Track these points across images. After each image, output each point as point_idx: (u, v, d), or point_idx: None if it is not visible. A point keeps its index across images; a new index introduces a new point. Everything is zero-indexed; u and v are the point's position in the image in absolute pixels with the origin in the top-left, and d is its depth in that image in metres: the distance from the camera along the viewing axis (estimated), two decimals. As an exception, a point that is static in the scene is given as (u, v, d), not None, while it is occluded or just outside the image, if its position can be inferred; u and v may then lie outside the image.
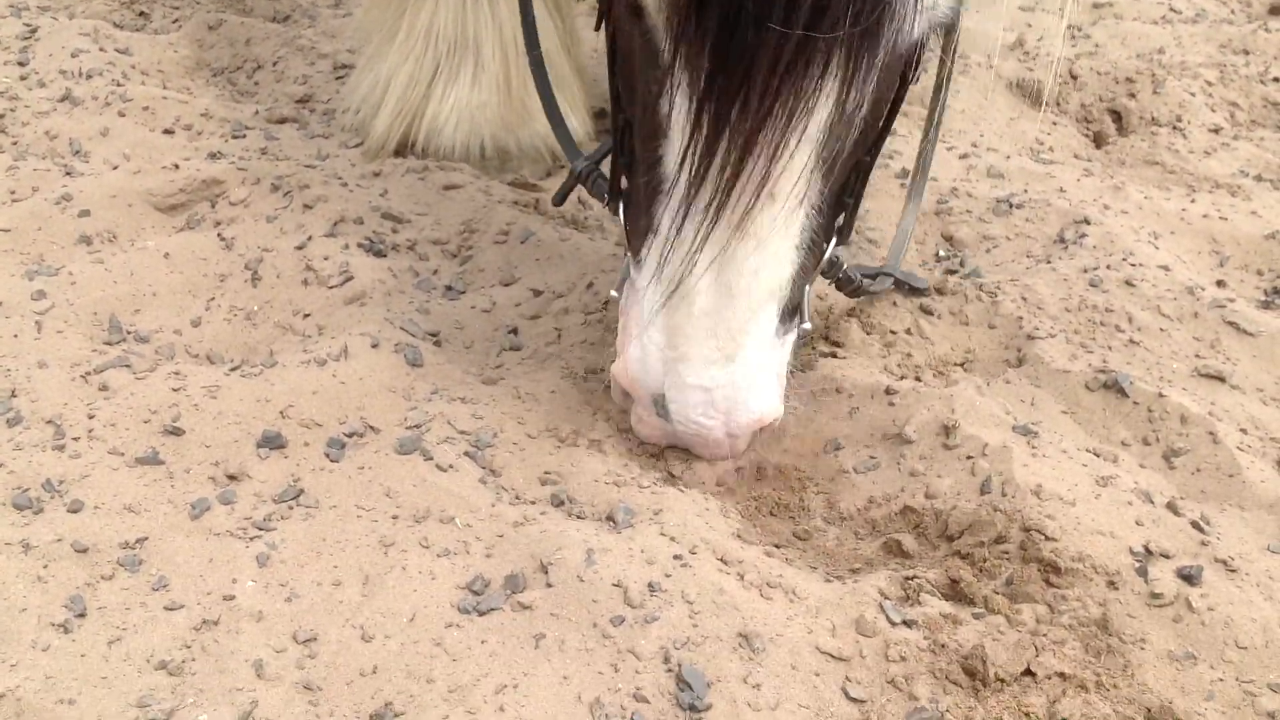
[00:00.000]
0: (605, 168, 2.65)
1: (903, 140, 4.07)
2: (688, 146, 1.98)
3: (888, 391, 2.62)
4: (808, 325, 2.43)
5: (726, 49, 1.83)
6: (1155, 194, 3.79)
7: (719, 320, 2.19)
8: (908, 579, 2.17)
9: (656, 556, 2.13)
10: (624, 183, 2.45)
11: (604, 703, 1.87)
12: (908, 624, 2.05)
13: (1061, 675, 1.97)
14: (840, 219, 2.40)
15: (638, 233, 2.30)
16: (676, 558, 2.14)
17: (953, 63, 2.57)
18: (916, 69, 2.19)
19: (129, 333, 2.73)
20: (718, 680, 1.91)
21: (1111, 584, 2.15)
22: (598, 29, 2.46)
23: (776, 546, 2.33)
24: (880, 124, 2.28)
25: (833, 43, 1.83)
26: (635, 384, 2.32)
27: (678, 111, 2.06)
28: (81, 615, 1.96)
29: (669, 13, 1.95)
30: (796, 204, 2.11)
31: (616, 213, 2.50)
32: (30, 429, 2.33)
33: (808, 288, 2.38)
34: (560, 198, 2.87)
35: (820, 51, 1.83)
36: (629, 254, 2.38)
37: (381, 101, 3.68)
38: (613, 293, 2.44)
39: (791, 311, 2.33)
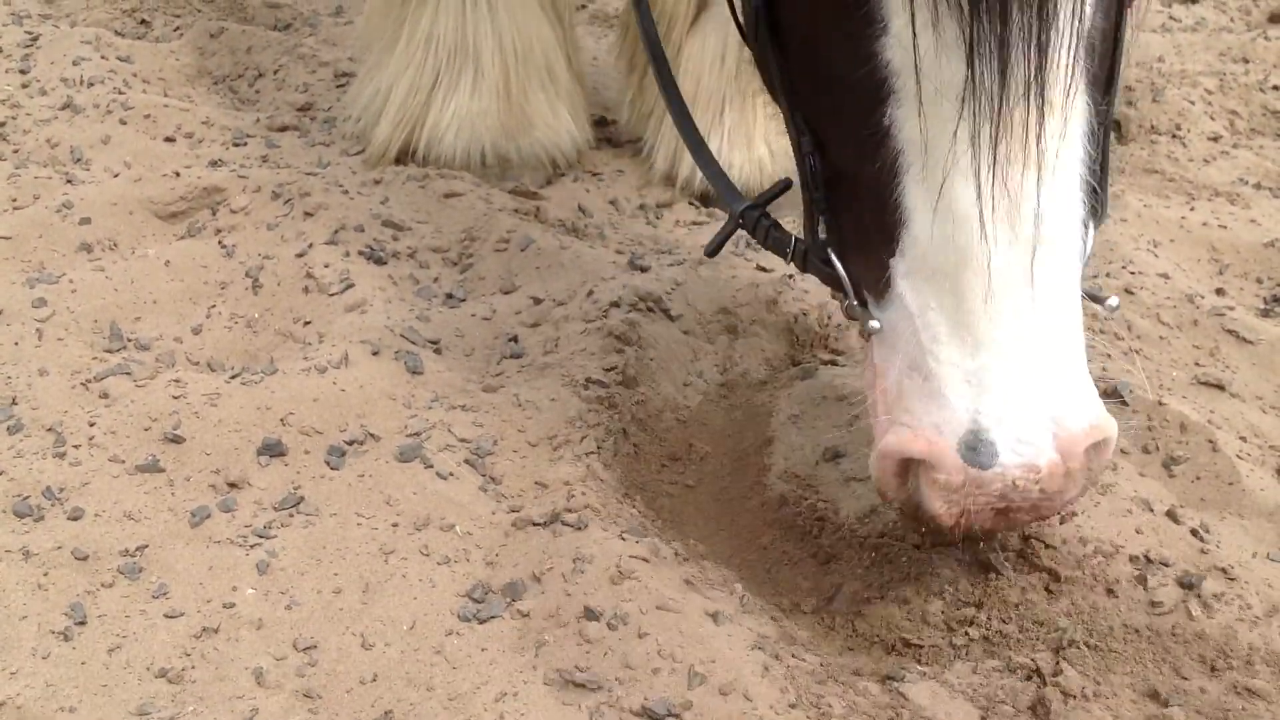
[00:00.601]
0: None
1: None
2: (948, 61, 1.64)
3: (887, 399, 2.62)
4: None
5: None
6: (1155, 202, 3.80)
7: (1024, 286, 1.72)
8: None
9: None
10: (820, 225, 2.00)
11: (604, 712, 1.87)
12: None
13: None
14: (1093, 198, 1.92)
15: (873, 259, 1.87)
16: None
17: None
18: None
19: (129, 340, 2.73)
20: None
21: (1111, 592, 2.15)
22: (751, 37, 2.04)
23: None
24: (1114, 48, 1.89)
25: None
26: (938, 430, 1.77)
27: (918, 32, 1.66)
28: (81, 623, 1.96)
29: None
30: (1070, 108, 1.72)
31: (814, 262, 2.03)
32: (30, 436, 2.33)
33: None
34: (714, 248, 2.40)
35: None
36: (869, 300, 1.92)
37: (382, 110, 3.70)
38: (864, 354, 1.99)
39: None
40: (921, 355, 1.79)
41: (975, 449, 1.73)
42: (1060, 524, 2.13)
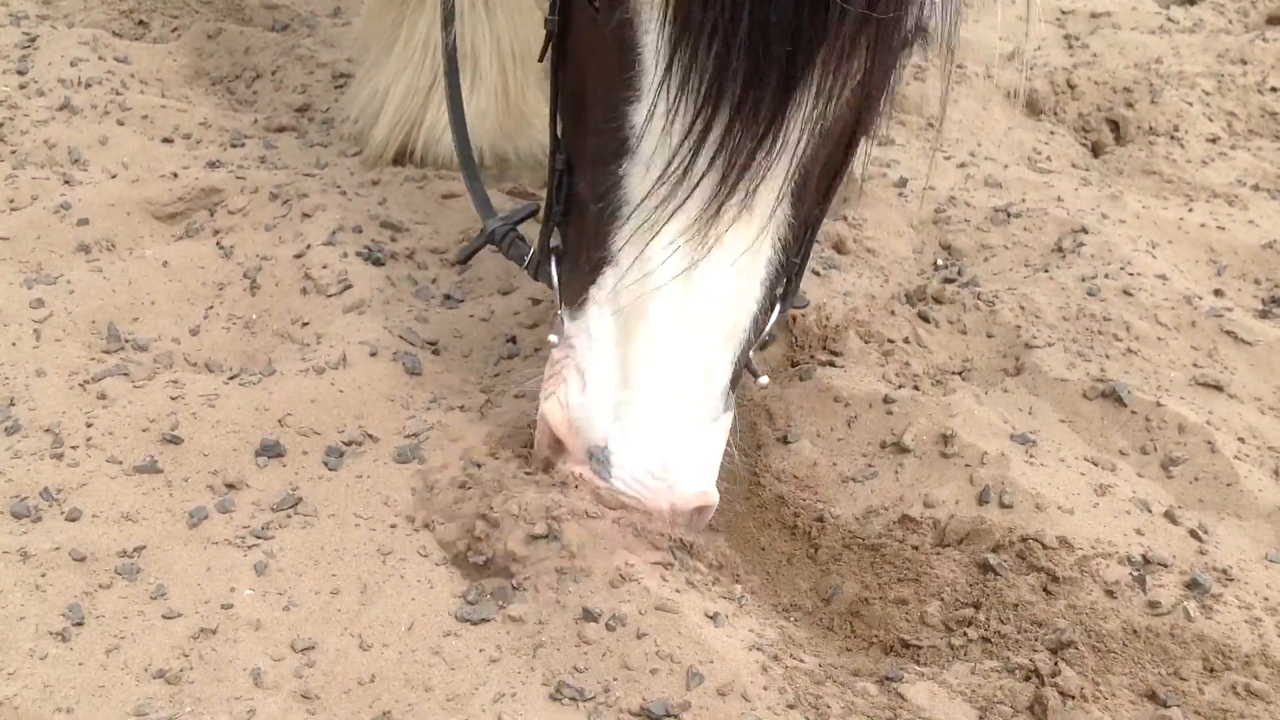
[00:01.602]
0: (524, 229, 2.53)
1: (900, 149, 4.08)
2: (678, 148, 1.85)
3: (886, 400, 2.63)
4: (731, 412, 2.18)
5: (758, 25, 1.72)
6: (1153, 203, 3.80)
7: (682, 351, 2.00)
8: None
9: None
10: (554, 240, 2.29)
11: (602, 713, 1.87)
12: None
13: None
14: (782, 286, 2.22)
15: (579, 278, 2.12)
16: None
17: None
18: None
19: (127, 341, 2.73)
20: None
21: (1109, 593, 2.15)
22: (542, 58, 2.31)
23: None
24: (855, 142, 2.11)
25: (865, 20, 1.75)
26: (574, 431, 2.08)
27: (658, 115, 1.89)
28: (79, 624, 1.95)
29: None
30: (770, 220, 1.98)
31: (543, 273, 2.32)
32: (28, 437, 2.33)
33: (743, 364, 2.20)
34: (464, 257, 2.74)
35: (856, 26, 1.74)
36: (564, 309, 2.19)
37: (380, 110, 3.69)
38: (551, 337, 2.23)
39: (734, 380, 2.16)
40: (590, 368, 2.06)
41: (599, 461, 2.05)
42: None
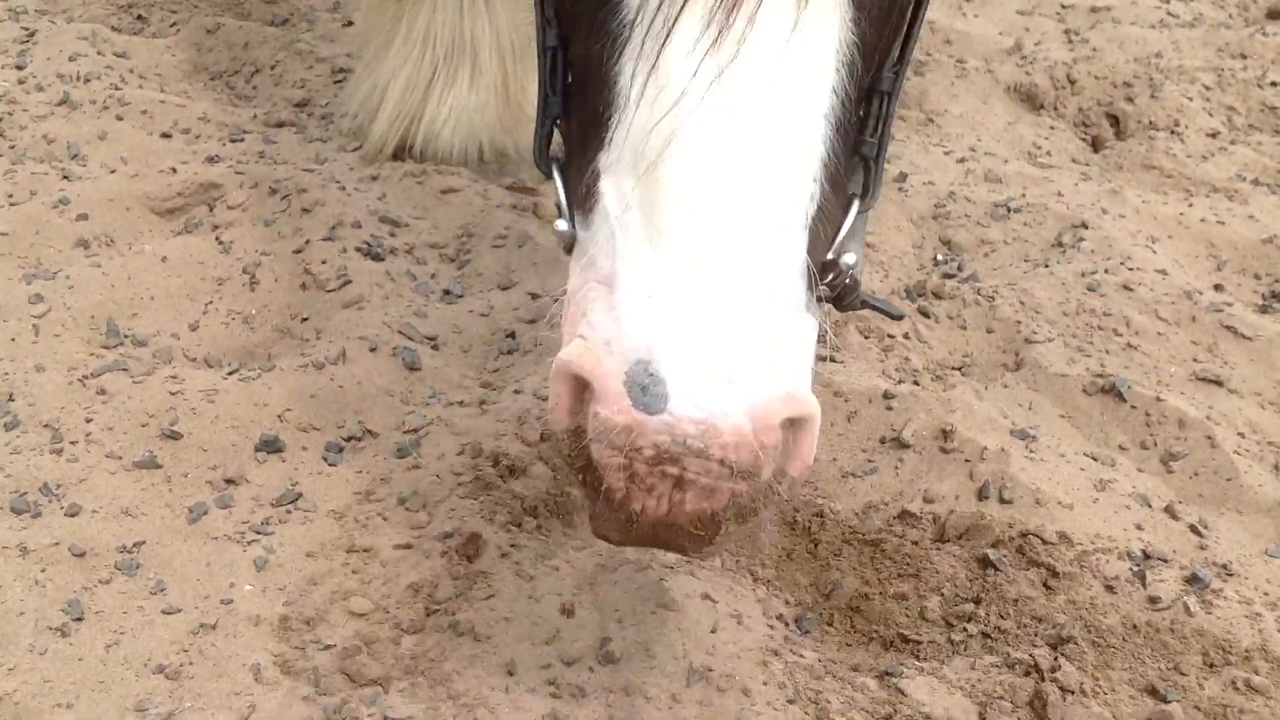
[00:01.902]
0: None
1: (900, 144, 4.08)
2: None
3: (886, 395, 2.62)
4: (816, 320, 1.64)
5: None
6: (1153, 198, 3.79)
7: (730, 202, 1.43)
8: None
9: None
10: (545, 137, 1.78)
11: (602, 710, 1.87)
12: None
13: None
14: (859, 179, 1.70)
15: (587, 166, 1.60)
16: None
17: None
18: None
19: (126, 336, 2.73)
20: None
21: (1109, 588, 2.15)
22: None
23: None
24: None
25: None
26: (606, 354, 1.44)
27: None
28: (79, 619, 1.95)
29: None
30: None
31: (549, 167, 1.75)
32: (28, 433, 2.32)
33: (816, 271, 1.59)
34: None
35: None
36: (577, 222, 1.63)
37: (379, 105, 3.69)
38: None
39: (812, 279, 1.57)
40: (612, 262, 1.47)
41: (644, 388, 1.39)
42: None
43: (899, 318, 2.00)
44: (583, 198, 1.59)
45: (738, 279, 1.42)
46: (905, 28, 1.71)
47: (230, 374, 2.56)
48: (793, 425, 1.45)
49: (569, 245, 1.64)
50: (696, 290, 1.41)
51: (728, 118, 1.44)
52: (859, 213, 1.68)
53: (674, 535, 1.48)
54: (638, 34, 1.49)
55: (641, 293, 1.43)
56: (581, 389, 1.47)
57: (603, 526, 1.53)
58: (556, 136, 1.79)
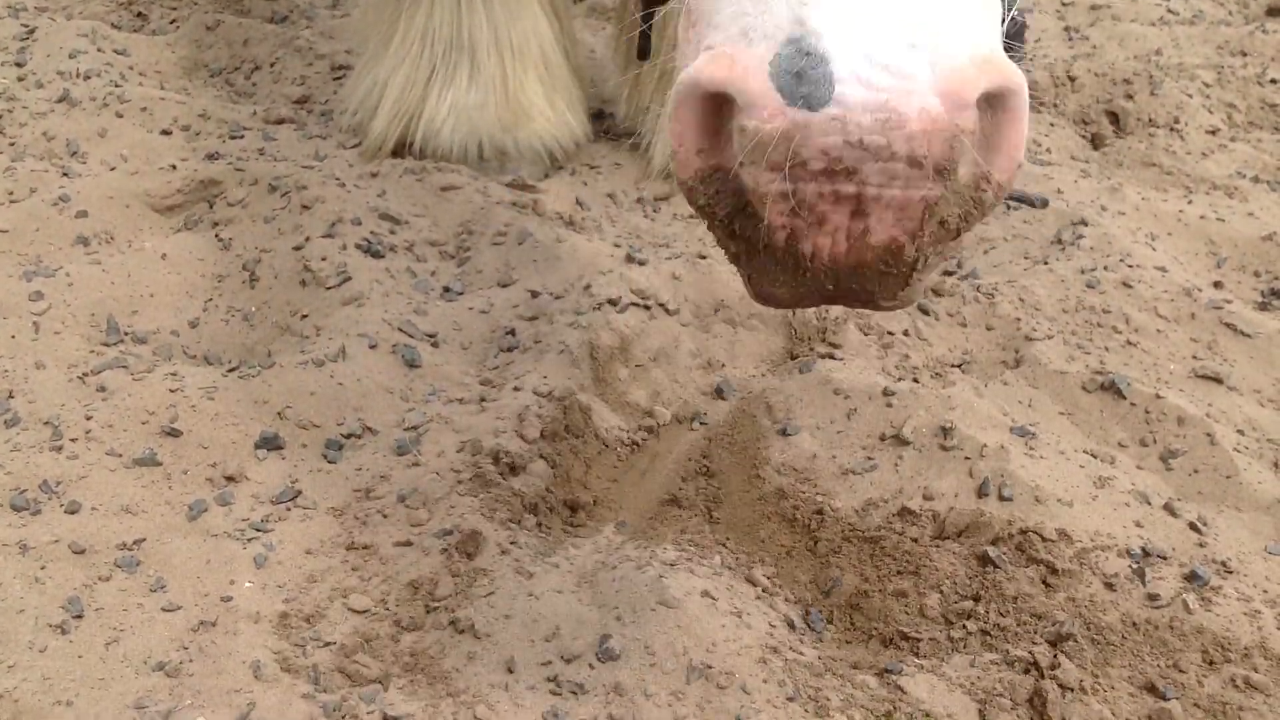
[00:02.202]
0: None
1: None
2: None
3: (885, 393, 2.62)
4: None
5: None
6: (1153, 195, 3.79)
7: None
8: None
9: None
10: None
11: (600, 706, 1.87)
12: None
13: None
14: None
15: None
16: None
17: None
18: None
19: (127, 334, 2.73)
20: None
21: (1109, 585, 2.15)
22: None
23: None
24: None
25: None
26: (744, 39, 1.11)
27: None
28: (79, 616, 1.95)
29: None
30: None
31: None
32: (28, 430, 2.32)
33: None
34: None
35: None
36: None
37: (379, 102, 3.69)
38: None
39: None
40: None
41: (800, 75, 1.05)
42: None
43: (1043, 205, 1.65)
44: None
45: None
46: None
47: (230, 371, 2.56)
48: (992, 105, 1.12)
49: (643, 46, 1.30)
50: None
51: None
52: None
53: (859, 280, 1.14)
54: None
55: None
56: (715, 116, 1.15)
57: (767, 282, 1.19)
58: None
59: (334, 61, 4.27)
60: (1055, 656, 2.01)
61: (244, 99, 4.09)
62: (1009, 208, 2.14)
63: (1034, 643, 2.06)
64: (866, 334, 2.92)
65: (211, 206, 3.25)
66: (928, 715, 1.94)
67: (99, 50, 4.04)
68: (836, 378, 2.69)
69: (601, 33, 4.82)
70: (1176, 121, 4.30)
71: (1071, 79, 4.59)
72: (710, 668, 1.93)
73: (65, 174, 3.28)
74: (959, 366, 2.90)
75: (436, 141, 3.64)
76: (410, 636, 2.02)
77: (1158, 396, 2.66)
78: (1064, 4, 5.38)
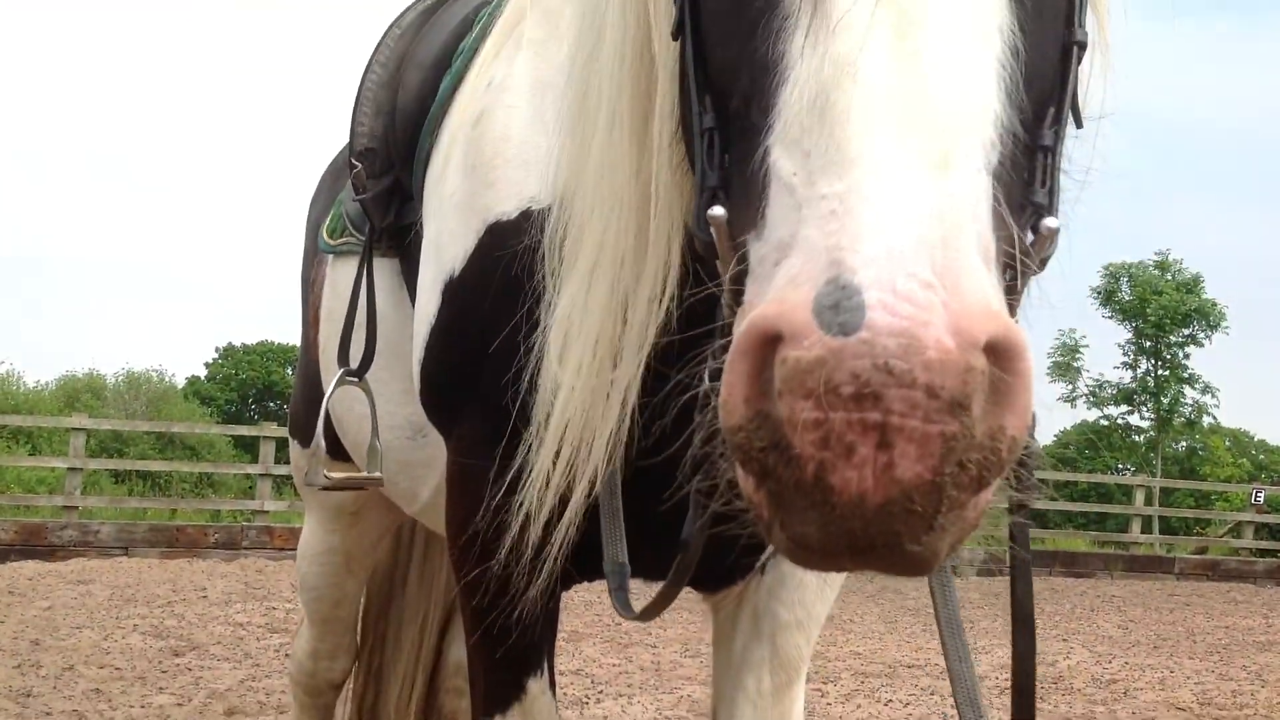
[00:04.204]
0: None
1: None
2: None
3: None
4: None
5: None
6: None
7: (910, 90, 1.30)
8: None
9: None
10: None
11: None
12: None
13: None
14: (1037, 187, 1.48)
15: (752, 182, 1.40)
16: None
17: None
18: None
19: None
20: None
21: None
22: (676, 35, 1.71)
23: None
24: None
25: None
26: (793, 284, 1.23)
27: None
28: None
29: None
30: None
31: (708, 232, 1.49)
32: None
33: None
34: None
35: None
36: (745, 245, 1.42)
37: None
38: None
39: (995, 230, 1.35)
40: (789, 216, 1.30)
41: (837, 304, 1.18)
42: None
43: None
44: (754, 220, 1.39)
45: (932, 194, 1.25)
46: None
47: None
48: (999, 360, 1.21)
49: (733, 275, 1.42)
50: (886, 201, 1.23)
51: (900, 44, 1.32)
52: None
53: (884, 520, 1.20)
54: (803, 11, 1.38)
55: (823, 214, 1.25)
56: (763, 366, 1.25)
57: (797, 522, 1.25)
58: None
59: None
60: None
61: None
62: None
63: None
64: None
65: None
66: None
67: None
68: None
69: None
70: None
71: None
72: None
73: None
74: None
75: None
76: None
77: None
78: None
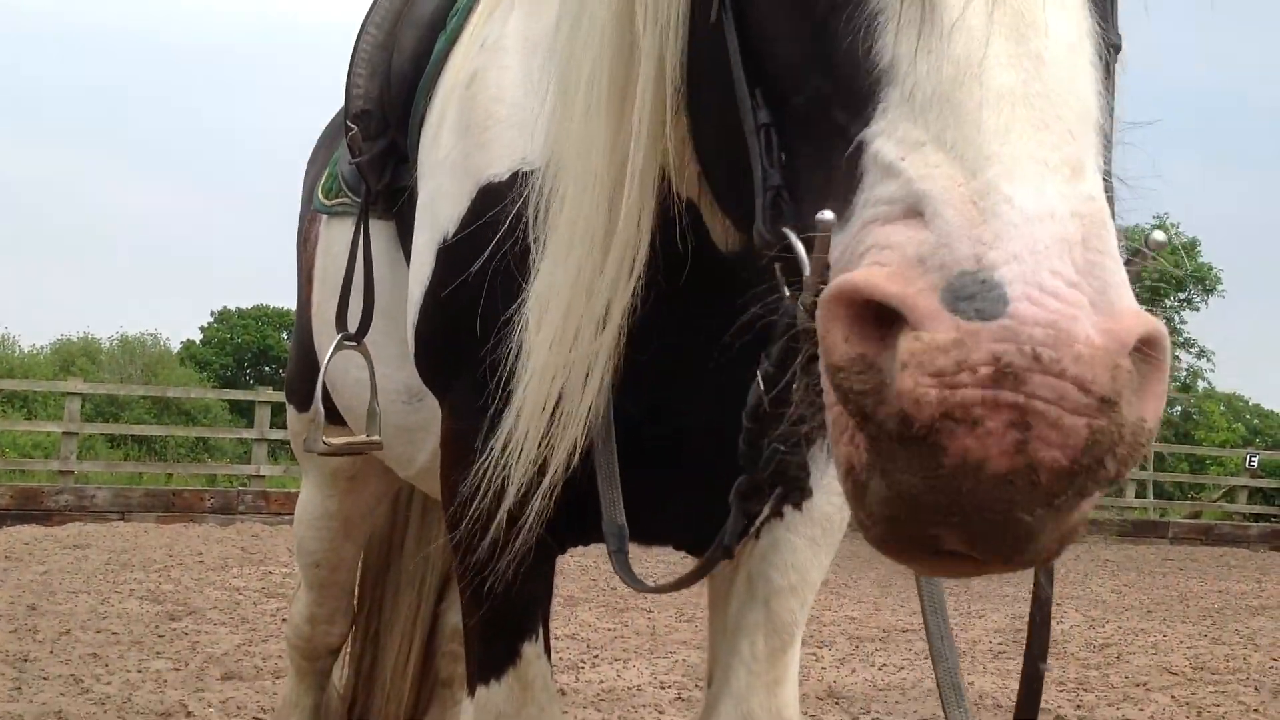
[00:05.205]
0: None
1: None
2: None
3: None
4: None
5: None
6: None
7: (1036, 92, 1.30)
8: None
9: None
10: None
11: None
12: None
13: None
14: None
15: (833, 175, 1.38)
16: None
17: None
18: None
19: None
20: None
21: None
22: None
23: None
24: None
25: None
26: (919, 266, 1.19)
27: None
28: None
29: None
30: None
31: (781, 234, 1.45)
32: None
33: None
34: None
35: None
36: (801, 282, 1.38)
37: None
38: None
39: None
40: (911, 188, 1.26)
41: (973, 295, 1.15)
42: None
43: None
44: (840, 200, 1.35)
45: (1071, 195, 1.23)
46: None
47: None
48: (1146, 351, 1.20)
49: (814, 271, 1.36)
50: (1025, 200, 1.21)
51: (1015, 33, 1.34)
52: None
53: (999, 487, 1.14)
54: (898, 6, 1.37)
55: (963, 199, 1.21)
56: (868, 321, 1.22)
57: (897, 468, 1.19)
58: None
59: None
60: None
61: None
62: None
63: None
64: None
65: None
66: None
67: None
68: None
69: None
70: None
71: None
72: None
73: None
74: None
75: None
76: None
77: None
78: None
